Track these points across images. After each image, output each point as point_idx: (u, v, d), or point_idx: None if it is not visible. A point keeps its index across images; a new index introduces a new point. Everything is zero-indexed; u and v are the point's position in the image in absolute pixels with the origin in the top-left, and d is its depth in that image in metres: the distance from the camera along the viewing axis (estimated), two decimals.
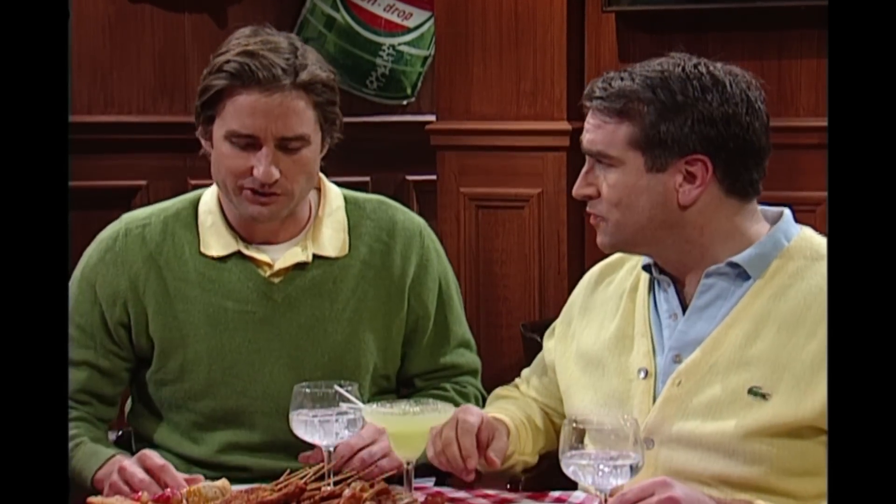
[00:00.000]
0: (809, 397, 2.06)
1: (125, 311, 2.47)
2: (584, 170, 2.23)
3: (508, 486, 2.74)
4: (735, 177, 2.16)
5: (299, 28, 4.63)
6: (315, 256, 2.47)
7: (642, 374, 2.19)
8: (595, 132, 2.19)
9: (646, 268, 2.25)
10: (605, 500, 1.90)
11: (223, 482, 2.12)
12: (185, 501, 2.07)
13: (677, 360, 2.17)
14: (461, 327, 2.61)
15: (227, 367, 2.46)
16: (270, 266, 2.47)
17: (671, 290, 2.22)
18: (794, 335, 2.10)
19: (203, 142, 2.46)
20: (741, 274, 2.17)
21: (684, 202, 2.15)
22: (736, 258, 2.16)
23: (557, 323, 2.42)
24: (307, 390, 2.15)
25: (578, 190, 2.23)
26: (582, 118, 3.87)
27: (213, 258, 2.46)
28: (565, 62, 3.86)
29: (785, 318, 2.12)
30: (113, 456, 2.38)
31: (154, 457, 2.25)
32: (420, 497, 2.11)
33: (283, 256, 2.47)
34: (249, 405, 2.46)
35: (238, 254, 2.46)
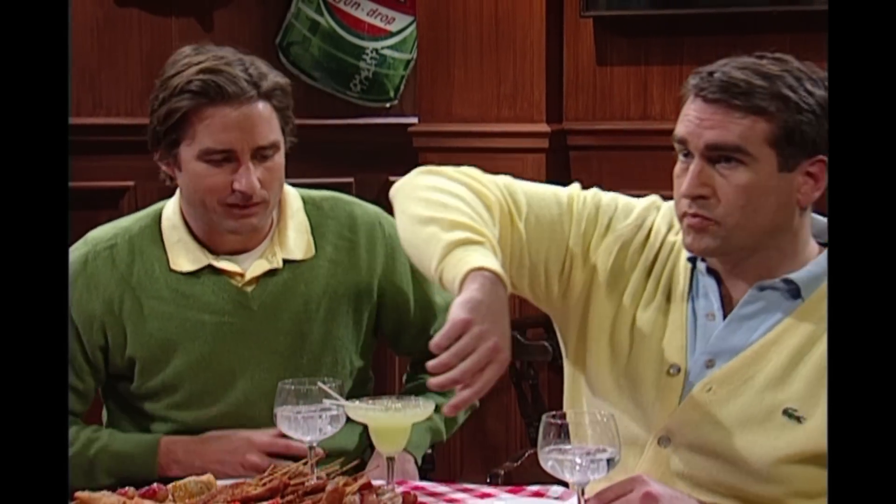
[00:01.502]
0: None
1: (102, 333, 2.44)
2: (695, 168, 2.03)
3: (488, 481, 2.74)
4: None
5: (284, 32, 4.62)
6: (284, 261, 2.45)
7: (674, 371, 2.10)
8: (723, 127, 2.01)
9: (690, 259, 2.13)
10: (583, 493, 1.89)
11: (208, 477, 2.11)
12: (171, 496, 2.06)
13: (710, 364, 2.08)
14: (442, 296, 2.56)
15: (210, 378, 2.44)
16: (242, 276, 2.44)
17: (713, 288, 2.11)
18: None
19: (163, 167, 2.42)
20: (792, 291, 2.07)
21: (804, 203, 2.05)
22: (794, 276, 2.06)
23: (607, 214, 2.20)
24: (291, 387, 2.14)
25: (693, 190, 2.03)
26: (560, 120, 3.92)
27: (184, 274, 2.43)
28: (544, 66, 3.86)
29: None
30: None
31: None
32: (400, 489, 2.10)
33: (254, 265, 2.44)
34: (234, 412, 2.44)
35: (209, 267, 2.43)
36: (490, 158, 3.89)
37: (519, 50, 3.88)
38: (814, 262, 2.08)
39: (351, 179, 4.65)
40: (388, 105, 4.77)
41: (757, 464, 2.03)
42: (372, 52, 4.68)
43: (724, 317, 2.10)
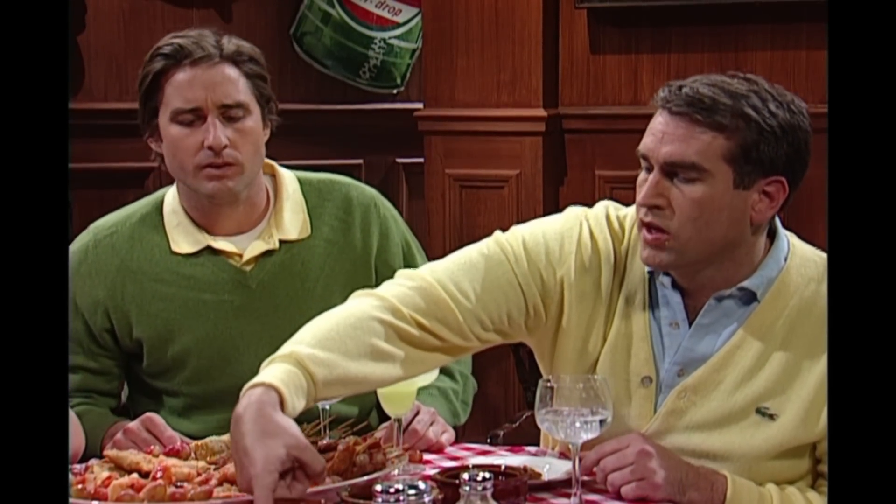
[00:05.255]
0: (817, 421, 1.99)
1: (107, 318, 2.42)
2: (653, 179, 1.98)
3: (488, 441, 2.74)
4: (790, 199, 2.02)
5: (298, 22, 4.61)
6: (280, 241, 2.43)
7: (647, 382, 2.05)
8: (683, 142, 1.96)
9: (651, 273, 2.07)
10: (577, 452, 1.89)
11: (228, 437, 2.09)
12: (193, 454, 2.06)
13: (681, 374, 2.04)
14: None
15: (214, 353, 2.42)
16: (240, 256, 2.42)
17: (676, 300, 2.06)
18: (802, 359, 2.01)
19: (153, 145, 2.41)
20: (747, 297, 2.04)
21: (758, 221, 2.00)
22: (748, 284, 2.03)
23: (551, 263, 2.09)
24: None
25: (650, 199, 1.98)
26: (556, 105, 3.91)
27: (183, 255, 2.41)
28: (541, 54, 3.86)
29: (793, 341, 2.02)
30: (118, 420, 2.37)
31: (160, 425, 2.24)
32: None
33: (251, 246, 2.42)
34: (240, 384, 2.38)
35: (208, 248, 2.41)
36: (490, 141, 3.91)
37: (517, 39, 3.87)
38: (764, 266, 2.04)
39: (360, 161, 4.66)
40: (395, 91, 4.77)
41: (738, 462, 2.01)
42: (380, 41, 4.68)
43: (689, 326, 2.06)
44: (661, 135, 1.98)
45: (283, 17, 4.56)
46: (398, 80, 4.75)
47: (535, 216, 2.26)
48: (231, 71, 2.36)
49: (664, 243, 1.99)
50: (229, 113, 2.34)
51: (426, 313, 2.01)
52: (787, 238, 2.09)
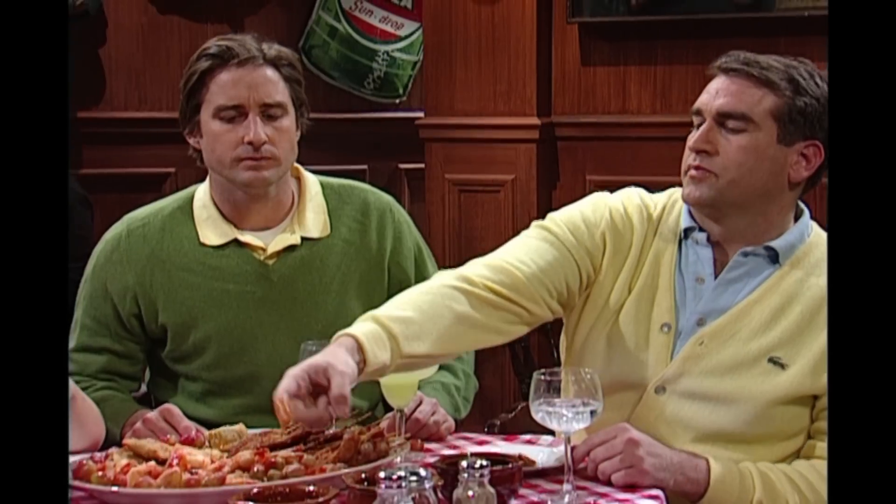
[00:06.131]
0: (823, 374, 2.03)
1: (136, 303, 2.44)
2: (705, 127, 2.09)
3: (486, 430, 2.75)
4: (825, 169, 2.11)
5: (306, 36, 4.62)
6: (302, 238, 2.46)
7: (665, 329, 2.11)
8: (735, 96, 2.07)
9: (687, 229, 2.14)
10: (569, 441, 1.91)
11: (240, 426, 2.11)
12: (207, 443, 2.07)
13: (701, 322, 2.10)
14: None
15: (235, 341, 2.44)
16: (264, 250, 2.44)
17: (706, 255, 2.13)
18: (814, 319, 2.06)
19: (191, 140, 2.44)
20: (771, 256, 2.11)
21: (794, 179, 2.09)
22: (773, 244, 2.11)
23: (588, 230, 2.17)
24: (312, 348, 2.13)
25: (699, 144, 2.09)
26: (549, 114, 3.93)
27: (211, 247, 2.43)
28: (535, 66, 3.86)
29: (807, 304, 2.07)
30: (138, 409, 2.38)
31: (177, 415, 2.25)
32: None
33: (276, 240, 2.44)
34: (257, 371, 2.43)
35: (234, 241, 2.44)
36: (488, 148, 3.92)
37: (513, 52, 3.88)
38: (789, 232, 2.13)
39: (365, 167, 4.66)
40: (397, 101, 4.77)
41: (746, 405, 2.05)
42: (383, 54, 4.68)
43: (714, 280, 2.12)
44: (715, 92, 2.10)
45: (292, 31, 4.56)
46: (401, 91, 4.76)
47: (530, 219, 2.28)
48: (272, 73, 2.40)
49: (707, 178, 2.08)
50: (269, 112, 2.38)
51: (496, 281, 2.08)
52: (811, 222, 2.17)
